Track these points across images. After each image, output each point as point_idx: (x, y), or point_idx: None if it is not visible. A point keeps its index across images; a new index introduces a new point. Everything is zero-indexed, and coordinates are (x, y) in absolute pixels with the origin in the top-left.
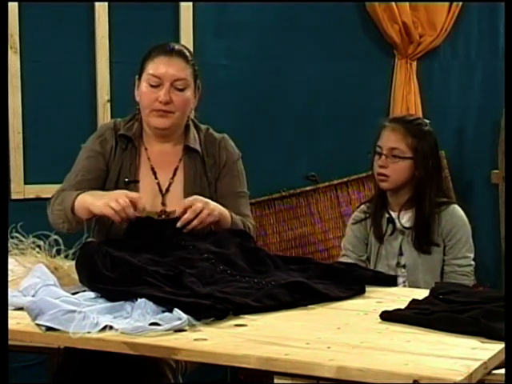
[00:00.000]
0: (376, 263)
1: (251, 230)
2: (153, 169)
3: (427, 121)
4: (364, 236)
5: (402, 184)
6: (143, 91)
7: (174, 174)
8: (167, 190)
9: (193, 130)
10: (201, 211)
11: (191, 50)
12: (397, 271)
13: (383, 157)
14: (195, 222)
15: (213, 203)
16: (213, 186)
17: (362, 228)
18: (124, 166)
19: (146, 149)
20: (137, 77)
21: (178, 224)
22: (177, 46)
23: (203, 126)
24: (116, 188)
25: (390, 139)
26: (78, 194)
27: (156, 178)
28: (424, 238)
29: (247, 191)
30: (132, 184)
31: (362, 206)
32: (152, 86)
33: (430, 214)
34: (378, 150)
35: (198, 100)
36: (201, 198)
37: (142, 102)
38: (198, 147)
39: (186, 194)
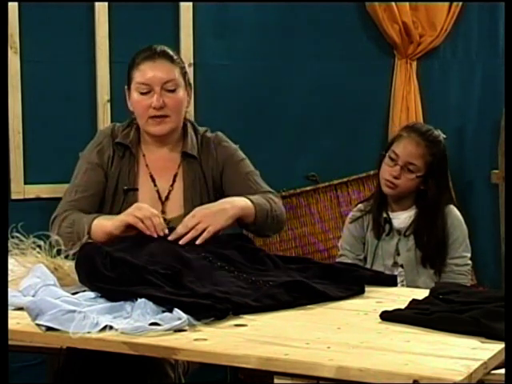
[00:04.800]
0: (373, 263)
1: (277, 203)
2: (152, 176)
3: (444, 136)
4: (361, 235)
5: (406, 194)
6: (136, 100)
7: (174, 181)
8: (167, 197)
9: (191, 133)
10: (204, 230)
11: (175, 48)
12: (393, 271)
13: (398, 167)
14: (198, 241)
15: (223, 209)
16: (212, 192)
17: (358, 227)
18: (122, 174)
19: (144, 155)
20: (126, 87)
21: (181, 242)
22: (159, 48)
23: (201, 129)
24: (114, 197)
25: (411, 153)
26: (94, 219)
27: (155, 186)
28: (432, 262)
29: (257, 171)
30: (131, 192)
31: (359, 205)
32: (143, 93)
33: (442, 238)
34: (393, 156)
35: (190, 97)
36: (206, 211)
37: (136, 112)
38: (195, 153)
39: (186, 202)
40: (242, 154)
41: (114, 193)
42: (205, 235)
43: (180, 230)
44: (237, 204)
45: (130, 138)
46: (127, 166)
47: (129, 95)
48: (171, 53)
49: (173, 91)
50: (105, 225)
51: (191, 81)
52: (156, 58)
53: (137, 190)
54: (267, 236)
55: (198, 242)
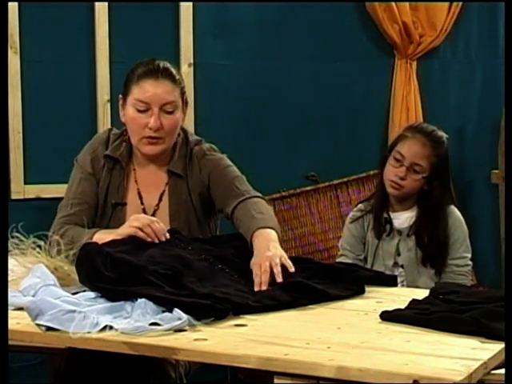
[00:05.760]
0: (373, 263)
1: (271, 209)
2: (139, 193)
3: (447, 136)
4: (361, 235)
5: (410, 195)
6: (131, 117)
7: (160, 200)
8: (152, 216)
9: (179, 149)
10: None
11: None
12: (393, 271)
13: (403, 168)
14: (291, 270)
15: (272, 246)
16: (200, 210)
17: (359, 227)
18: (111, 187)
19: (134, 169)
20: (120, 96)
21: (278, 280)
22: (162, 65)
23: (193, 141)
24: (104, 209)
25: (417, 154)
26: (94, 233)
27: (142, 203)
28: (432, 262)
29: (243, 176)
30: (119, 207)
31: (360, 205)
32: (139, 111)
33: (443, 238)
34: (398, 157)
35: (185, 115)
36: (265, 253)
37: (130, 127)
38: (181, 171)
39: (172, 221)
40: (227, 162)
41: (103, 205)
42: (287, 263)
43: (264, 278)
44: (272, 238)
45: (121, 151)
46: (117, 178)
47: (123, 106)
48: (174, 72)
49: (171, 113)
50: (106, 239)
51: (191, 84)
52: (159, 77)
53: (125, 204)
54: None
55: (291, 270)
